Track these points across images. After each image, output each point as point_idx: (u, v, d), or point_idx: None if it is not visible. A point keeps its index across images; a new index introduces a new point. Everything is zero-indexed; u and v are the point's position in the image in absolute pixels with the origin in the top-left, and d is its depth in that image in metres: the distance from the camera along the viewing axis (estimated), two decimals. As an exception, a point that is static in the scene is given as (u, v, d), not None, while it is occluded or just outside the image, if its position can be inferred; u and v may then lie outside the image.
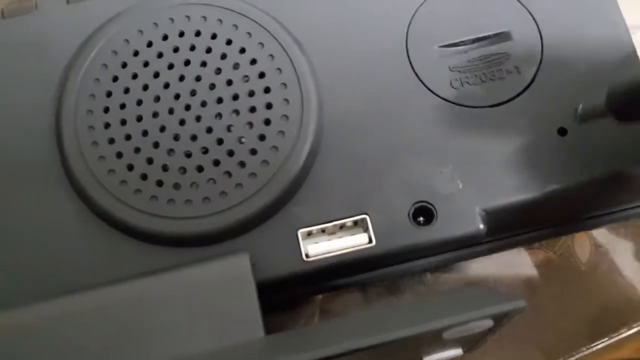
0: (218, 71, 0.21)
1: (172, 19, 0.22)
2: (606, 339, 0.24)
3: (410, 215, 0.20)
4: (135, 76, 0.21)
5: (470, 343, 0.21)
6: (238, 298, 0.18)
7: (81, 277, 0.20)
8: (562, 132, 0.20)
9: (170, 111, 0.21)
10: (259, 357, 0.16)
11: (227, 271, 0.18)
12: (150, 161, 0.20)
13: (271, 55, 0.21)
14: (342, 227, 0.20)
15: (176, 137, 0.20)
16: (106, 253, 0.20)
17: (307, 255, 0.20)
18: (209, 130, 0.20)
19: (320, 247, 0.20)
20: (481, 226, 0.20)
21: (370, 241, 0.20)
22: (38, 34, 0.22)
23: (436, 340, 0.18)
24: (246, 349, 0.17)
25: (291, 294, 0.21)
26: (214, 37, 0.21)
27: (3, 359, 0.17)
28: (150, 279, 0.18)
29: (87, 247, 0.20)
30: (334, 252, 0.20)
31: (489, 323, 0.16)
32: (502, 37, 0.22)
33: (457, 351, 0.22)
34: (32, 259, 0.20)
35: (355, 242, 0.20)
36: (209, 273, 0.18)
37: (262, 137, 0.20)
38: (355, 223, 0.20)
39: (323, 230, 0.20)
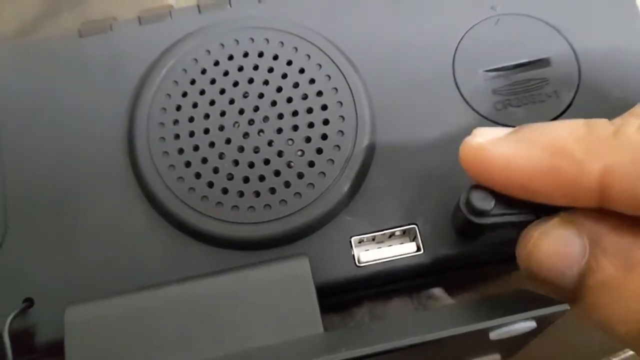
0: (279, 89, 0.23)
1: (237, 41, 0.24)
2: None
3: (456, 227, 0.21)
4: (202, 92, 0.23)
5: (510, 349, 0.22)
6: (299, 297, 0.19)
7: (149, 276, 0.21)
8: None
9: (235, 125, 0.23)
10: (321, 349, 0.18)
11: (289, 272, 0.20)
12: (216, 170, 0.22)
13: (328, 76, 0.23)
14: (391, 235, 0.22)
15: (240, 149, 0.22)
16: (173, 254, 0.22)
17: (359, 261, 0.21)
18: (270, 143, 0.22)
19: (372, 254, 0.21)
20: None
21: (418, 249, 0.21)
22: (113, 52, 0.24)
23: (481, 342, 0.19)
24: (308, 343, 0.18)
25: (343, 298, 0.22)
26: (275, 57, 0.23)
27: (92, 344, 0.19)
28: (219, 278, 0.20)
29: (156, 248, 0.22)
30: (384, 259, 0.21)
31: (533, 325, 0.18)
32: (542, 63, 0.23)
33: (496, 357, 0.23)
34: (105, 257, 0.22)
35: (404, 250, 0.21)
36: (272, 273, 0.20)
37: (319, 151, 0.22)
38: (404, 232, 0.22)
39: (374, 239, 0.22)
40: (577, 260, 0.16)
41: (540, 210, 0.17)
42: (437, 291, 0.24)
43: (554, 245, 0.17)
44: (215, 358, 0.18)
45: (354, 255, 0.21)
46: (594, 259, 0.16)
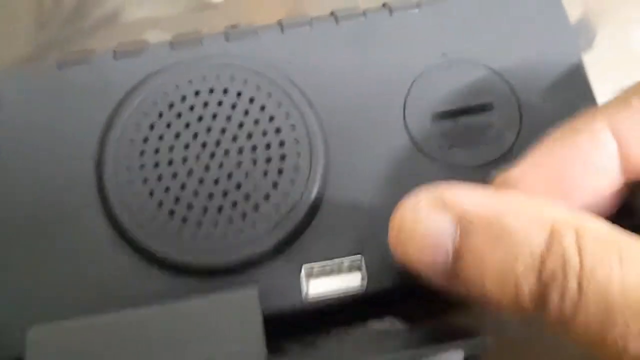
0: (240, 125, 0.24)
1: (204, 77, 0.25)
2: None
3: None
4: (169, 125, 0.25)
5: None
6: (246, 325, 0.21)
7: (110, 299, 0.23)
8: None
9: (197, 157, 0.24)
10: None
11: (238, 301, 0.21)
12: (177, 200, 0.23)
13: (287, 113, 0.25)
14: (340, 267, 0.23)
15: (201, 181, 0.24)
16: (134, 279, 0.23)
17: (307, 291, 0.23)
18: (230, 176, 0.24)
19: (320, 284, 0.23)
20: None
21: (362, 279, 0.23)
22: (89, 84, 0.26)
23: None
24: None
25: (296, 326, 0.23)
26: (239, 94, 0.25)
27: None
28: (171, 306, 0.21)
29: (117, 272, 0.23)
30: (332, 290, 0.23)
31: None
32: (486, 107, 0.25)
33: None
34: (67, 279, 0.23)
35: (349, 281, 0.23)
36: (221, 302, 0.21)
37: (275, 185, 0.23)
38: (351, 264, 0.23)
39: (323, 270, 0.23)
40: (449, 242, 0.18)
41: None
42: (390, 321, 0.26)
43: (425, 232, 0.18)
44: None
45: (303, 285, 0.23)
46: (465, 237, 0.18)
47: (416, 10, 0.26)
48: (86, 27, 0.33)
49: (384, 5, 0.27)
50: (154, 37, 0.33)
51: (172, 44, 0.27)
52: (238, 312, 0.21)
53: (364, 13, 0.27)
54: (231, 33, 0.27)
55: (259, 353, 0.20)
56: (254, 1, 0.34)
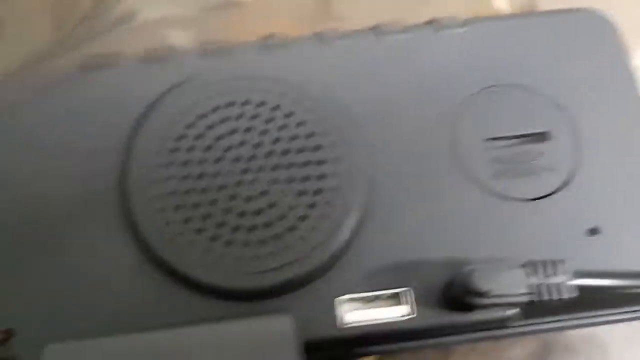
0: (276, 140, 0.23)
1: (237, 89, 0.24)
2: None
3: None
4: (199, 137, 0.23)
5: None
6: (279, 353, 0.19)
7: (132, 317, 0.21)
8: (593, 231, 0.22)
9: (229, 172, 0.22)
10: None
11: (273, 329, 0.19)
12: (206, 217, 0.22)
13: (327, 130, 0.23)
14: (377, 298, 0.21)
15: (232, 198, 0.22)
16: (158, 298, 0.21)
17: (343, 322, 0.21)
18: (264, 193, 0.22)
19: (357, 314, 0.21)
20: (511, 312, 0.21)
21: (408, 313, 0.21)
22: (114, 90, 0.24)
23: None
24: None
25: (326, 357, 0.21)
26: (275, 108, 0.23)
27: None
28: (202, 328, 0.20)
29: (141, 291, 0.21)
30: (369, 320, 0.21)
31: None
32: (541, 136, 0.23)
33: None
34: (90, 295, 0.21)
35: (393, 313, 0.21)
36: (253, 327, 0.19)
37: (312, 205, 0.22)
38: (393, 295, 0.21)
39: (360, 299, 0.21)
40: None
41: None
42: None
43: None
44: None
45: (337, 315, 0.21)
46: None
47: (462, 30, 0.25)
48: (104, 26, 0.31)
49: (428, 22, 0.26)
50: (176, 37, 0.32)
51: (202, 52, 0.25)
52: (272, 337, 0.19)
53: (408, 29, 0.25)
54: (265, 44, 0.25)
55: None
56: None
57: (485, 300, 0.19)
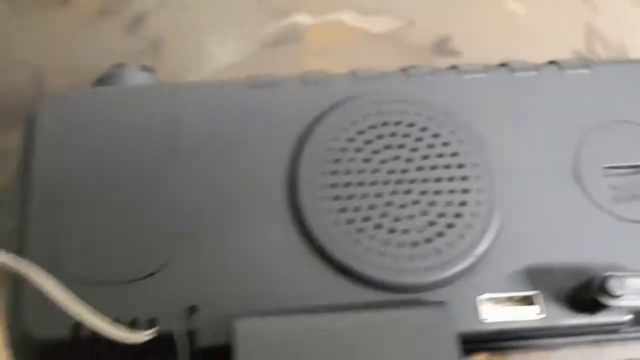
0: (425, 157, 0.26)
1: (391, 111, 0.27)
2: None
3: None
4: (359, 150, 0.26)
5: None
6: (441, 337, 0.22)
7: (295, 301, 0.24)
8: None
9: (385, 182, 0.26)
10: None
11: (432, 317, 0.23)
12: (366, 219, 0.25)
13: (469, 151, 0.27)
14: (512, 298, 0.25)
15: (389, 204, 0.25)
16: (319, 285, 0.25)
17: (482, 318, 0.24)
18: (416, 202, 0.26)
19: (494, 312, 0.24)
20: (628, 317, 0.24)
21: (540, 313, 0.24)
22: (278, 105, 0.28)
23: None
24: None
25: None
26: (424, 129, 0.27)
27: (258, 354, 0.22)
28: (366, 313, 0.23)
29: (305, 278, 0.25)
30: (504, 318, 0.24)
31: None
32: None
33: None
34: (259, 280, 0.25)
35: (526, 313, 0.24)
36: (419, 314, 0.23)
37: (458, 215, 0.25)
38: (526, 297, 0.25)
39: (498, 298, 0.25)
40: None
41: None
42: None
43: None
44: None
45: (479, 311, 0.24)
46: None
47: (587, 71, 0.29)
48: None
49: (552, 62, 0.29)
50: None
51: (354, 77, 0.29)
52: (430, 326, 0.23)
53: (536, 67, 0.29)
54: (407, 72, 0.29)
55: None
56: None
57: (616, 302, 0.22)
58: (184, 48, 0.35)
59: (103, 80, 0.30)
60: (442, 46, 0.36)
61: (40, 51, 0.35)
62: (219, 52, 0.36)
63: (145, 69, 0.31)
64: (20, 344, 0.25)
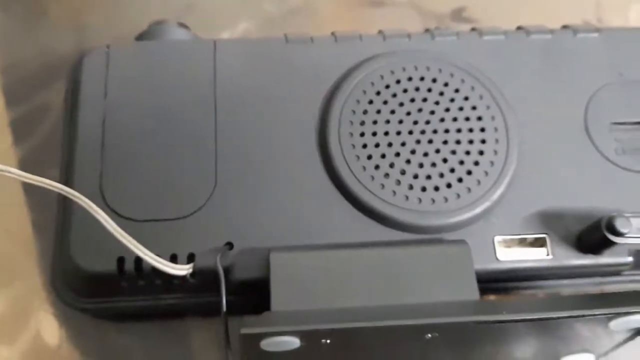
0: (447, 110, 0.29)
1: (415, 67, 0.29)
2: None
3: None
4: (385, 102, 0.29)
5: (604, 350, 0.27)
6: (462, 269, 0.25)
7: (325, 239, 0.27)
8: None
9: (410, 132, 0.28)
10: (482, 310, 0.23)
11: (455, 251, 0.25)
12: (392, 165, 0.27)
13: (488, 105, 0.29)
14: (524, 240, 0.27)
15: (413, 152, 0.28)
16: (346, 224, 0.27)
17: (497, 257, 0.27)
18: (437, 151, 0.28)
19: (510, 253, 0.27)
20: (629, 259, 0.27)
21: (547, 255, 0.27)
22: (313, 60, 0.30)
23: (591, 333, 0.24)
24: (468, 304, 0.24)
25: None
26: (446, 84, 0.29)
27: (292, 285, 0.24)
28: (391, 249, 0.25)
29: (334, 219, 0.27)
30: (516, 258, 0.27)
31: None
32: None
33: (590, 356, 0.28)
34: (290, 218, 0.27)
35: (536, 254, 0.27)
36: (443, 250, 0.25)
37: (476, 163, 0.27)
38: (536, 239, 0.27)
39: (512, 241, 0.27)
40: None
41: None
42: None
43: None
44: (394, 305, 0.24)
45: (495, 251, 0.27)
46: None
47: (597, 35, 0.31)
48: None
49: (565, 26, 0.31)
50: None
51: (384, 36, 0.31)
52: (453, 260, 0.25)
53: (551, 31, 0.31)
54: (431, 32, 0.31)
55: (473, 293, 0.24)
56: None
57: (621, 239, 0.24)
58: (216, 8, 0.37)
59: (143, 36, 0.32)
60: (459, 14, 0.38)
61: (81, 11, 0.37)
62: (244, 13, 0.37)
63: (182, 25, 0.32)
64: (67, 275, 0.27)
